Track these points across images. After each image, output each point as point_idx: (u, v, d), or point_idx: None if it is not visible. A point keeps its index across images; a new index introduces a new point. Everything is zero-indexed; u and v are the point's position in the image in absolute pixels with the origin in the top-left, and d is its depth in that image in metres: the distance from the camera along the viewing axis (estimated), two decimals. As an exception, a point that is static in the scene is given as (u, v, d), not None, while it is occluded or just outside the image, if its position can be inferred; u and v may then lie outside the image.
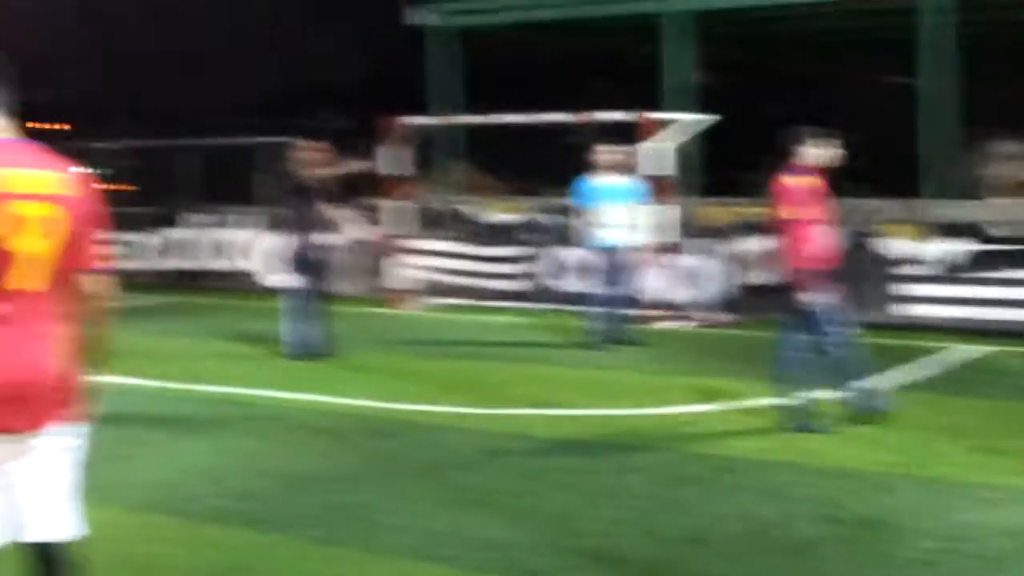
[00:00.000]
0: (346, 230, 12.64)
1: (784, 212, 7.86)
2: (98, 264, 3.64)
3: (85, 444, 3.68)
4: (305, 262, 10.95)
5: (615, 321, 11.80)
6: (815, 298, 7.87)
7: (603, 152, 11.67)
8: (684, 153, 13.96)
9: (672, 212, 13.39)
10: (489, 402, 8.87)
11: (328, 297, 11.17)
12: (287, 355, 10.86)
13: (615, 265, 11.70)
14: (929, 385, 9.57)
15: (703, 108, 14.21)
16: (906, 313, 12.60)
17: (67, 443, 3.62)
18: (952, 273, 12.41)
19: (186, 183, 18.45)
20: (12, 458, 3.54)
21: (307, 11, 26.17)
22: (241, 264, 16.42)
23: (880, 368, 10.01)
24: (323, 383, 9.58)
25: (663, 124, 13.32)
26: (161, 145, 19.56)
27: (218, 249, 16.87)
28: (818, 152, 7.97)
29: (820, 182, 8.05)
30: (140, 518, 6.02)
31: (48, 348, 3.53)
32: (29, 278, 3.49)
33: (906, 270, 12.67)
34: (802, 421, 7.80)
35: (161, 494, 6.42)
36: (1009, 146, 17.22)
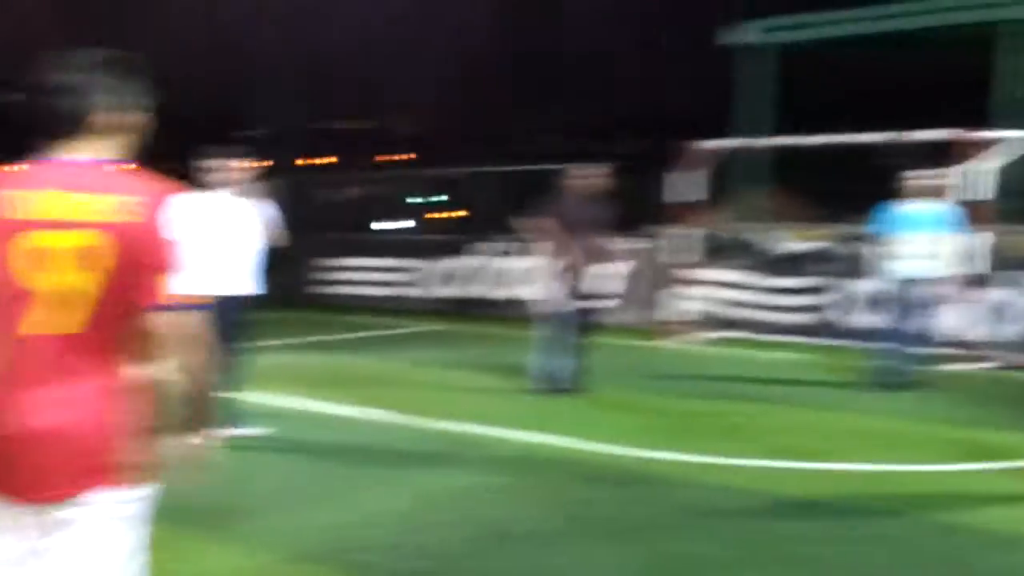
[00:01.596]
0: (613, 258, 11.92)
1: None
2: (171, 300, 2.97)
3: (146, 514, 3.05)
4: (572, 291, 10.32)
5: (904, 361, 10.52)
6: None
7: (911, 177, 10.47)
8: (1009, 175, 12.36)
9: (984, 240, 11.84)
10: (739, 451, 7.88)
11: (589, 328, 10.48)
12: (532, 389, 10.26)
13: (911, 300, 10.44)
14: None
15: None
16: None
17: (116, 512, 2.99)
18: None
19: (483, 209, 18.39)
20: (43, 534, 2.96)
21: (637, 38, 25.74)
22: (520, 292, 16.08)
23: None
24: (557, 422, 8.87)
25: (986, 143, 11.83)
26: (468, 172, 19.68)
27: (500, 277, 16.62)
28: None
29: None
30: (293, 568, 5.54)
31: (85, 401, 2.94)
32: (58, 319, 2.93)
33: None
34: None
35: (329, 542, 5.91)
36: None
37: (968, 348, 11.57)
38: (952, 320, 11.57)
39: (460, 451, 8.00)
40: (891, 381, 10.36)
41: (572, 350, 10.29)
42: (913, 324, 10.50)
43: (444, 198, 24.20)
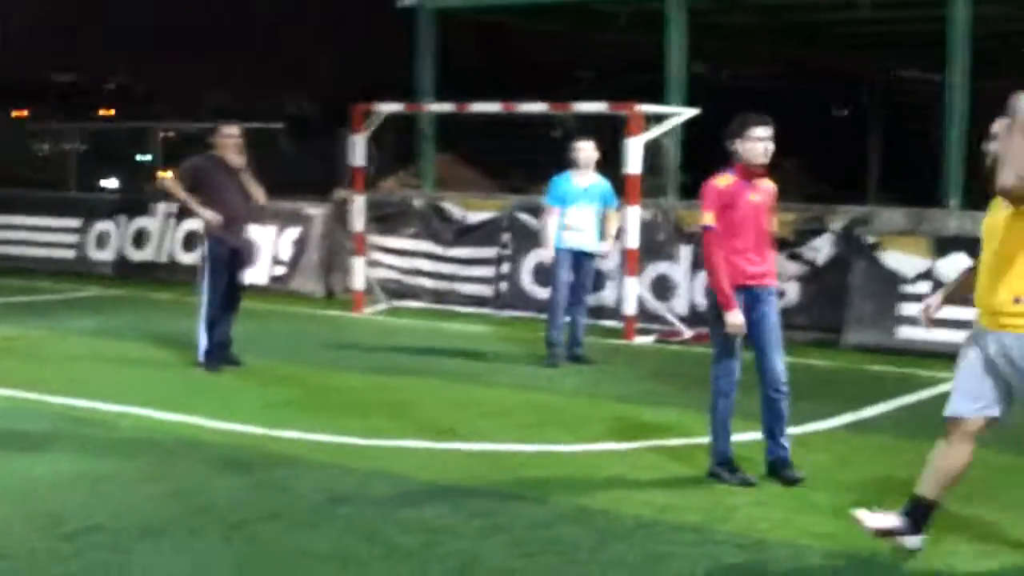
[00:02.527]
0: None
1: (706, 218, 6.56)
2: None
3: None
4: (224, 253, 9.72)
5: (574, 335, 10.53)
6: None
7: (583, 148, 10.38)
8: (666, 150, 12.61)
9: (644, 214, 12.03)
10: (387, 431, 7.56)
11: (236, 295, 9.88)
12: (197, 362, 9.65)
13: (580, 271, 10.42)
14: (896, 424, 8.16)
15: (703, 103, 12.76)
16: (909, 336, 11.18)
17: None
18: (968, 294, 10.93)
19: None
20: None
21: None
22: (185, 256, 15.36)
23: (862, 401, 8.73)
24: (200, 399, 8.32)
25: (649, 118, 11.95)
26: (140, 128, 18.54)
27: (165, 240, 15.83)
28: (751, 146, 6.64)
29: (761, 184, 6.74)
30: None
31: None
32: None
33: (912, 288, 11.24)
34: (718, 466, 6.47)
35: None
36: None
37: (632, 321, 11.70)
38: (631, 293, 11.68)
39: (78, 432, 7.33)
40: (560, 355, 10.31)
41: (230, 318, 9.77)
42: (581, 296, 10.51)
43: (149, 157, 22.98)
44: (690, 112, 12.42)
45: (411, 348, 10.95)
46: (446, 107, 13.81)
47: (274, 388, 8.92)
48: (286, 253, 14.83)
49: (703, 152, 14.40)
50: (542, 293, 12.89)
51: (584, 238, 10.35)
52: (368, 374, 9.62)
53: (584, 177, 10.39)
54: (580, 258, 10.39)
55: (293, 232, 14.84)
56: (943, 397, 9.29)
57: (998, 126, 5.21)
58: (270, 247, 14.80)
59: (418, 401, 8.59)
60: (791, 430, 7.74)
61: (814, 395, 9.09)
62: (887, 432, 7.84)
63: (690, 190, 13.56)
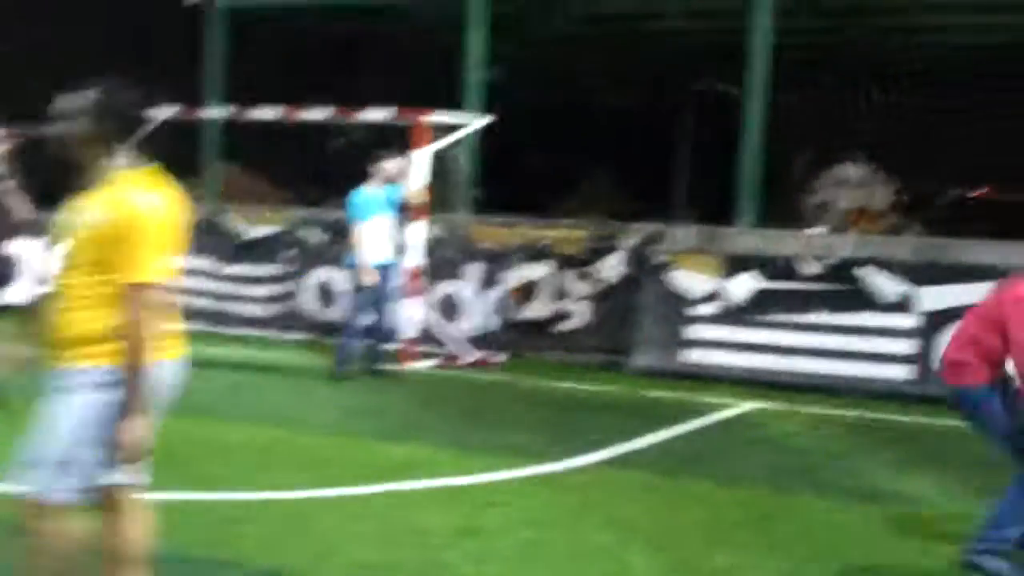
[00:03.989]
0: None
1: None
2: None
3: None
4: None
5: (368, 356, 10.22)
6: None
7: (383, 167, 10.06)
8: (457, 161, 12.01)
9: (434, 230, 11.42)
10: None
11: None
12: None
13: (374, 290, 10.04)
14: (661, 457, 7.66)
15: (499, 112, 12.20)
16: (696, 361, 10.80)
17: None
18: (754, 315, 10.63)
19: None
20: None
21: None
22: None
23: (634, 431, 8.25)
24: None
25: (440, 127, 11.33)
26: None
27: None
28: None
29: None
30: None
31: None
32: None
33: (701, 309, 10.87)
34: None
35: None
36: (850, 170, 15.57)
37: (415, 344, 11.05)
38: (413, 315, 11.03)
39: None
40: (348, 375, 9.96)
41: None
42: (375, 316, 10.14)
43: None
44: (482, 121, 11.84)
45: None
46: (220, 113, 12.95)
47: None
48: (55, 270, 13.70)
49: (502, 164, 13.96)
50: (328, 314, 12.19)
51: (385, 251, 10.07)
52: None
53: (379, 190, 10.08)
54: (383, 271, 10.06)
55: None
56: (718, 427, 9.16)
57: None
58: (36, 264, 13.67)
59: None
60: (551, 466, 7.24)
61: (585, 425, 8.60)
62: (649, 467, 7.32)
63: (487, 205, 13.04)
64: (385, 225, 10.09)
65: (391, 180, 10.14)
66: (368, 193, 10.05)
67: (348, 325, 10.21)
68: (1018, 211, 20.18)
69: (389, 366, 10.46)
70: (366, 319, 10.11)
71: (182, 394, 4.27)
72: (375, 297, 10.09)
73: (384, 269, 10.11)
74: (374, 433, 8.07)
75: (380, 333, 10.29)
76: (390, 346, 10.65)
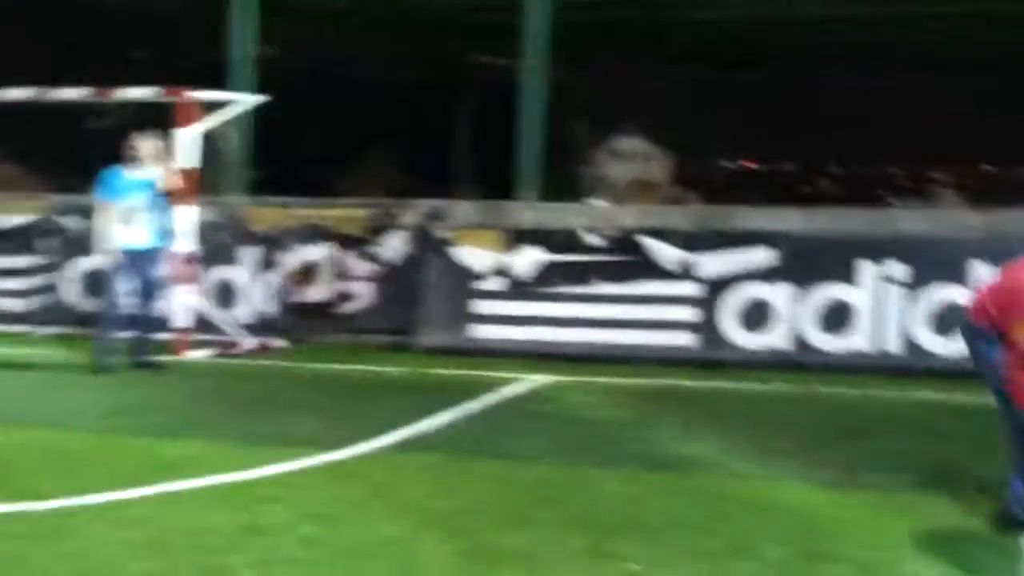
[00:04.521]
0: None
1: None
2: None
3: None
4: None
5: (136, 349, 9.66)
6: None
7: (138, 147, 9.57)
8: (229, 142, 11.45)
9: (206, 213, 10.87)
10: None
11: None
12: None
13: (142, 272, 9.56)
14: (451, 438, 7.43)
15: (271, 90, 11.69)
16: (484, 336, 10.64)
17: None
18: (539, 288, 10.53)
19: None
20: None
21: None
22: None
23: (423, 412, 7.99)
24: None
25: (207, 105, 10.75)
26: None
27: None
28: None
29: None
30: None
31: None
32: None
33: (486, 285, 10.70)
34: None
35: None
36: (630, 142, 15.73)
37: (189, 333, 10.49)
38: (185, 302, 10.46)
39: None
40: (112, 364, 9.42)
41: None
42: (138, 305, 9.59)
43: None
44: (253, 99, 11.32)
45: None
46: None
47: None
48: None
49: (278, 144, 13.44)
50: (92, 306, 11.45)
51: (142, 235, 9.55)
52: None
53: (140, 171, 9.58)
54: (139, 258, 9.53)
55: None
56: (508, 404, 9.01)
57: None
58: None
59: None
60: (335, 454, 6.92)
61: (372, 409, 8.29)
62: (439, 449, 7.08)
63: (261, 186, 12.51)
64: (141, 208, 9.58)
65: (147, 161, 9.62)
66: (123, 174, 9.57)
67: (106, 315, 9.67)
68: (782, 180, 21.01)
69: (160, 358, 9.89)
70: (127, 308, 9.57)
71: None
72: (134, 284, 9.56)
73: (143, 255, 9.59)
74: (144, 430, 7.54)
75: (145, 323, 9.72)
76: (160, 336, 10.10)
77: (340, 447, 7.03)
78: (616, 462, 6.72)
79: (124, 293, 9.57)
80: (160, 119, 10.44)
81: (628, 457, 6.86)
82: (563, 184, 14.45)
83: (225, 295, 11.35)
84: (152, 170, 9.65)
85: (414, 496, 6.04)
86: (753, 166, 23.85)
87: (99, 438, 7.33)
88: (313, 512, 5.74)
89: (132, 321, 9.66)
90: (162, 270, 9.84)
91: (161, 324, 10.14)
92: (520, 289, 10.59)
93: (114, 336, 9.62)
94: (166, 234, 9.91)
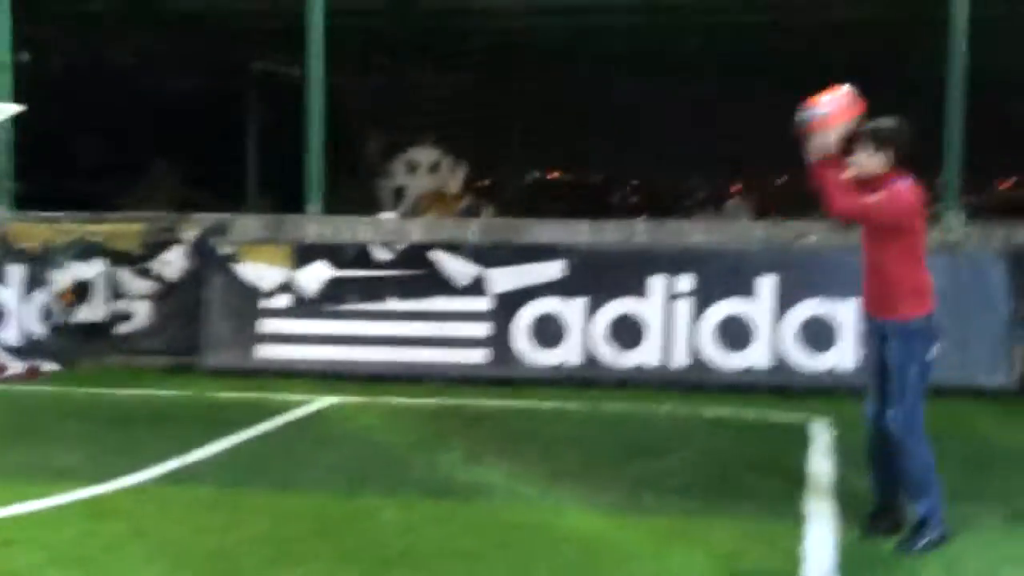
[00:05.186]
0: None
1: None
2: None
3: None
4: None
5: None
6: None
7: None
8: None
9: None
10: None
11: None
12: None
13: None
14: (224, 467, 7.01)
15: (34, 98, 10.97)
16: (271, 356, 10.21)
17: None
18: (328, 305, 10.17)
19: None
20: None
21: None
22: None
23: (198, 439, 7.54)
24: None
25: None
26: None
27: None
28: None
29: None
30: None
31: None
32: None
33: (272, 302, 10.28)
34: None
35: None
36: (422, 153, 15.47)
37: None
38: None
39: None
40: None
41: None
42: None
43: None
44: (8, 109, 10.59)
45: None
46: None
47: None
48: None
49: (46, 155, 12.67)
50: None
51: None
52: None
53: None
54: None
55: None
56: (290, 428, 8.59)
57: None
58: None
59: None
60: (97, 488, 6.43)
61: (144, 438, 7.78)
62: (209, 480, 6.66)
63: (27, 201, 11.73)
64: None
65: None
66: None
67: None
68: (587, 192, 21.10)
69: None
70: None
71: None
72: None
73: None
74: None
75: None
76: None
77: (103, 480, 6.55)
78: (397, 489, 6.44)
79: None
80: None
81: (410, 483, 6.59)
82: (357, 197, 14.11)
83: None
84: None
85: (177, 534, 5.63)
86: (555, 177, 23.92)
87: None
88: (62, 555, 5.29)
89: None
90: None
91: None
92: (307, 306, 10.21)
93: None
94: None
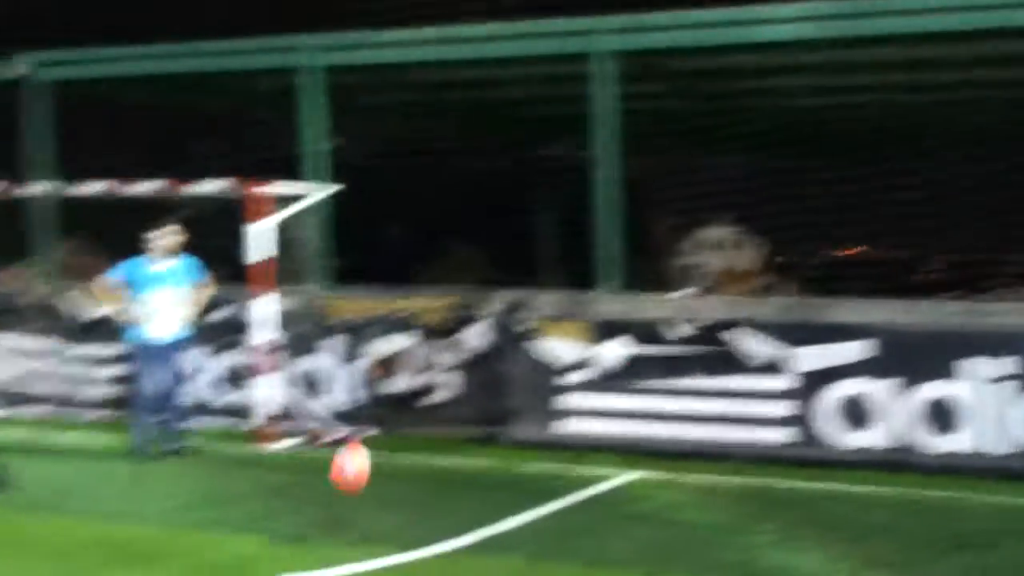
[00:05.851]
0: None
1: None
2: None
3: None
4: None
5: (171, 427, 9.92)
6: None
7: (154, 237, 9.99)
8: (301, 232, 11.39)
9: (288, 303, 10.79)
10: None
11: None
12: None
13: (167, 363, 9.88)
14: (531, 539, 7.08)
15: (345, 181, 11.68)
16: (571, 431, 10.31)
17: None
18: (627, 381, 10.19)
19: None
20: None
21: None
22: None
23: (505, 510, 7.67)
24: None
25: (280, 198, 10.72)
26: None
27: None
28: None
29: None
30: None
31: None
32: None
33: (572, 377, 10.39)
34: None
35: None
36: (717, 232, 15.41)
37: (274, 423, 10.33)
38: (265, 392, 10.36)
39: None
40: (145, 451, 9.71)
41: None
42: (172, 388, 9.92)
43: None
44: (325, 191, 11.27)
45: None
46: (44, 188, 12.15)
47: None
48: None
49: (358, 234, 13.36)
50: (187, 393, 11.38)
51: (166, 327, 9.87)
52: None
53: (163, 263, 9.94)
54: (163, 350, 9.86)
55: None
56: (595, 502, 8.63)
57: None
58: None
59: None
60: (411, 554, 6.63)
61: (453, 506, 8.01)
62: (517, 551, 6.76)
63: (341, 276, 12.41)
64: (168, 297, 9.90)
65: (169, 252, 9.96)
66: (145, 265, 9.93)
67: (137, 402, 9.92)
68: (890, 269, 20.37)
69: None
70: (154, 395, 9.81)
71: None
72: (160, 374, 9.82)
73: (167, 346, 9.89)
74: (211, 524, 7.35)
75: (173, 411, 9.97)
76: (184, 426, 10.10)
77: (416, 547, 6.76)
78: (707, 571, 6.33)
79: (151, 382, 9.80)
80: (235, 212, 10.50)
81: (721, 566, 6.46)
82: (649, 276, 14.17)
83: (309, 385, 11.20)
84: (183, 259, 10.00)
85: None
86: (853, 253, 23.28)
87: (163, 531, 7.15)
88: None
89: (160, 408, 9.86)
90: (184, 361, 10.17)
91: (184, 414, 10.24)
92: (607, 382, 10.26)
93: (148, 422, 9.83)
94: (188, 326, 10.10)
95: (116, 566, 6.32)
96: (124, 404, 11.63)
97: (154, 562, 6.37)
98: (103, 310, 11.95)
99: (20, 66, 13.26)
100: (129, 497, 8.30)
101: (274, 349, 10.45)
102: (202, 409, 11.26)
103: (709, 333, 10.11)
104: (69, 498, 8.15)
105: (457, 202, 16.20)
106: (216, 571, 6.18)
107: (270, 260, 10.30)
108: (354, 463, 6.90)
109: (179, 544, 6.83)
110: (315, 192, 11.24)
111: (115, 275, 9.96)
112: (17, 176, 12.36)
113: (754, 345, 9.91)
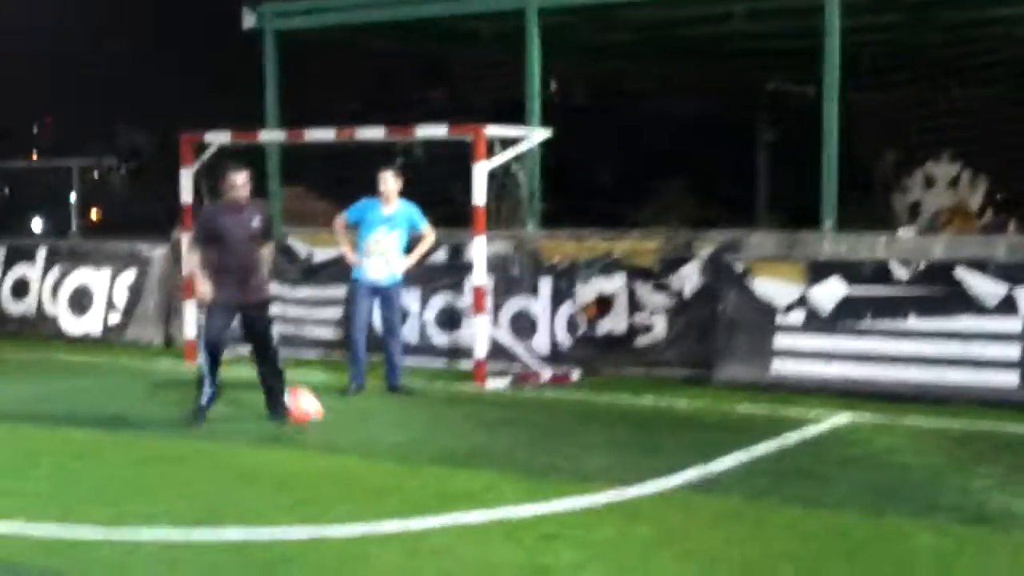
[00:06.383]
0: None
1: None
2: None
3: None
4: None
5: (393, 362, 10.21)
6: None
7: (382, 180, 10.09)
8: (519, 175, 11.52)
9: (500, 246, 11.00)
10: (136, 516, 6.30)
11: None
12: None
13: (385, 304, 10.20)
14: (745, 479, 7.03)
15: (562, 125, 11.74)
16: (784, 372, 10.19)
17: None
18: (843, 322, 10.00)
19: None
20: None
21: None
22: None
23: (719, 449, 7.68)
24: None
25: (501, 141, 10.90)
26: None
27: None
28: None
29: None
30: None
31: None
32: None
33: (786, 318, 10.26)
34: None
35: None
36: (943, 168, 14.82)
37: (482, 364, 10.58)
38: (480, 332, 10.63)
39: None
40: (357, 388, 10.08)
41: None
42: (391, 329, 10.21)
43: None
44: (541, 134, 11.38)
45: (236, 402, 9.63)
46: (277, 136, 12.68)
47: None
48: (121, 299, 13.57)
49: (570, 177, 13.48)
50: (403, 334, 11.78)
51: (385, 269, 10.10)
52: (164, 438, 8.39)
53: (388, 206, 10.11)
54: (381, 290, 10.14)
55: (128, 276, 13.59)
56: (808, 445, 8.53)
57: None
58: (104, 292, 13.60)
59: (198, 474, 7.36)
60: (627, 491, 6.73)
61: (664, 445, 8.05)
62: (735, 491, 6.76)
63: (551, 219, 12.54)
64: (390, 240, 10.09)
65: (393, 195, 10.11)
66: (376, 207, 10.10)
67: (356, 340, 10.15)
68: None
69: (461, 386, 10.13)
70: (364, 335, 10.10)
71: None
72: (380, 312, 10.15)
73: (385, 287, 10.12)
74: (437, 459, 7.62)
75: (393, 349, 10.21)
76: (404, 363, 10.37)
77: (630, 484, 6.84)
78: (927, 513, 6.20)
79: (365, 321, 10.09)
80: (459, 157, 10.72)
81: (941, 508, 6.31)
82: (868, 213, 13.77)
83: (521, 326, 11.42)
84: (398, 205, 10.13)
85: (704, 543, 5.77)
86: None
87: (392, 465, 7.46)
88: (600, 554, 5.59)
89: (385, 347, 10.18)
90: (403, 301, 10.51)
91: (402, 353, 10.44)
92: (822, 323, 10.09)
93: (358, 360, 10.10)
94: (407, 269, 10.32)
95: (354, 497, 6.65)
96: (344, 344, 12.17)
97: (391, 494, 6.67)
98: (330, 252, 12.51)
99: (251, 17, 13.82)
100: (357, 432, 8.67)
101: (489, 290, 10.69)
102: (419, 349, 11.66)
103: (931, 273, 9.81)
104: (302, 432, 8.58)
105: (673, 141, 16.08)
106: (453, 501, 6.44)
107: (489, 203, 10.51)
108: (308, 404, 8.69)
109: (412, 477, 7.12)
110: (534, 135, 11.38)
111: (349, 215, 10.28)
112: (252, 125, 12.93)
113: (983, 285, 9.55)
